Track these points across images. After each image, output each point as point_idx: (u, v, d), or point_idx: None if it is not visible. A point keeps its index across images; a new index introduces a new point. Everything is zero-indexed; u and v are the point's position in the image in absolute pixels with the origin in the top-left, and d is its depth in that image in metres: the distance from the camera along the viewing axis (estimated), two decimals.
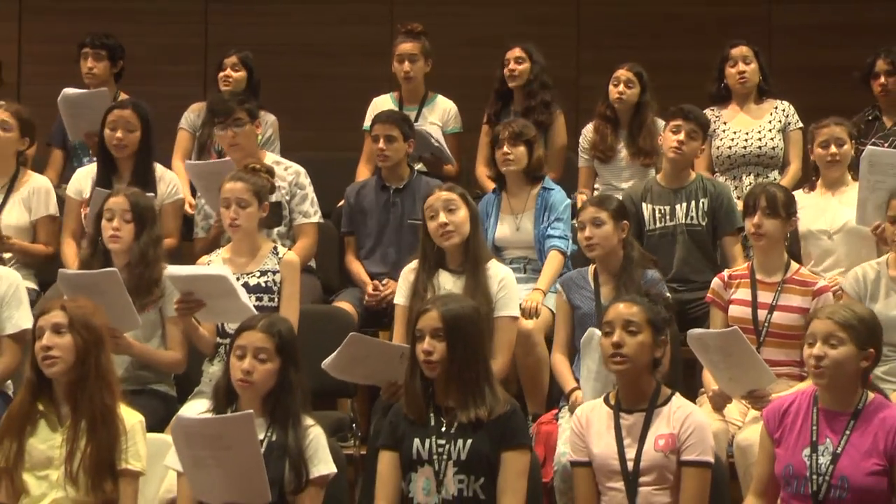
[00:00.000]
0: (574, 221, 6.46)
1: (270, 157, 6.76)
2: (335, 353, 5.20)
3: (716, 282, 5.84)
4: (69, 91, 7.45)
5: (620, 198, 6.20)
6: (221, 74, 7.75)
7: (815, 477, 4.44)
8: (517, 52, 7.70)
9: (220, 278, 5.44)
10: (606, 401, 4.77)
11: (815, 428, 4.51)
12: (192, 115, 7.79)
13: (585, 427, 4.73)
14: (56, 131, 7.72)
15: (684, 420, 4.62)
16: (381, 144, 6.77)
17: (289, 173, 6.71)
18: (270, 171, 6.33)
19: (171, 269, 5.60)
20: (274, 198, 6.42)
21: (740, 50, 7.49)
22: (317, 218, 6.74)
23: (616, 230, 5.77)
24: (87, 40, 7.93)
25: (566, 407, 5.61)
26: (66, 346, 4.65)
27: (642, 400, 4.70)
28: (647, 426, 4.64)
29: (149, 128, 6.77)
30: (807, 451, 4.47)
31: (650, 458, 4.59)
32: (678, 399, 4.74)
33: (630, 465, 4.60)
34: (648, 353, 4.67)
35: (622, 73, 7.45)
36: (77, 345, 4.65)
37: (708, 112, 7.32)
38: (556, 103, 7.72)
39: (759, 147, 7.37)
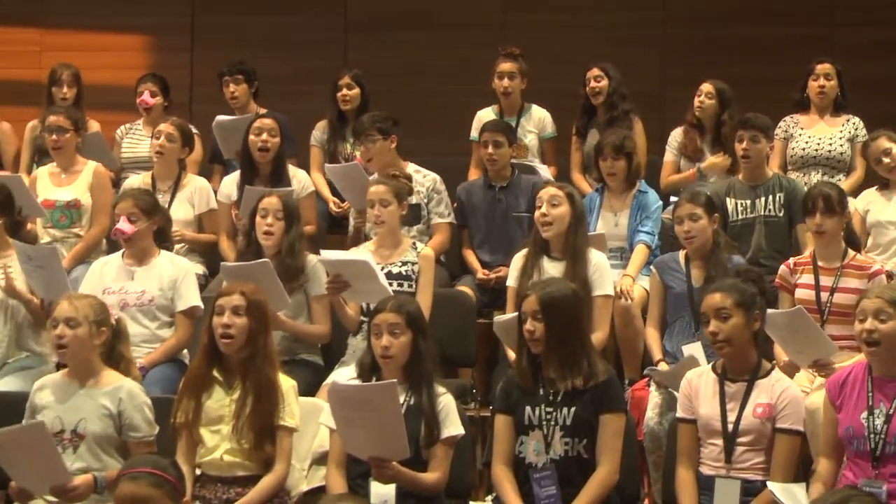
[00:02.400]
0: (665, 217, 6.51)
1: (412, 167, 6.78)
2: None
3: (783, 269, 5.77)
4: (221, 118, 7.52)
5: (709, 192, 6.15)
6: (339, 94, 7.74)
7: (872, 436, 4.38)
8: (595, 71, 7.68)
9: (364, 263, 5.49)
10: (714, 369, 4.73)
11: (870, 394, 4.45)
12: (318, 132, 7.79)
13: (694, 390, 4.69)
14: (211, 151, 7.82)
15: (782, 392, 4.59)
16: (490, 150, 6.77)
17: (427, 180, 6.76)
18: (409, 177, 6.39)
19: (325, 254, 5.63)
20: (414, 200, 6.49)
21: (824, 67, 7.42)
22: (450, 218, 6.77)
23: (710, 223, 5.75)
24: (224, 70, 7.98)
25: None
26: (241, 326, 4.71)
27: (745, 371, 4.66)
28: (748, 394, 4.61)
29: (284, 134, 6.83)
30: (864, 415, 4.41)
31: (748, 423, 4.56)
32: (777, 373, 4.70)
33: (730, 426, 4.57)
34: (744, 331, 4.62)
35: (704, 86, 7.42)
36: (250, 327, 4.71)
37: (788, 118, 7.38)
38: (634, 111, 7.66)
39: (829, 152, 7.30)
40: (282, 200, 5.89)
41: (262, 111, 7.32)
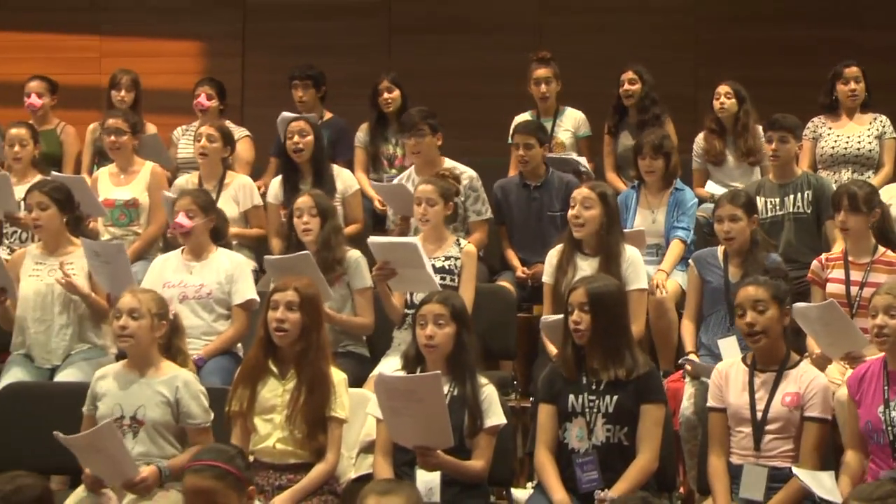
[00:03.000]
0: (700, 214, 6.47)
1: (449, 163, 6.76)
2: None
3: (815, 264, 5.74)
4: (286, 114, 7.55)
5: (750, 192, 6.14)
6: (380, 98, 7.75)
7: (889, 429, 4.40)
8: (630, 73, 7.66)
9: (412, 246, 5.50)
10: (744, 360, 4.72)
11: (886, 388, 4.46)
12: (362, 133, 7.79)
13: (724, 380, 4.70)
14: (275, 145, 7.84)
15: (810, 382, 4.59)
16: (521, 151, 6.76)
17: (464, 178, 6.69)
18: (457, 178, 6.41)
19: (373, 238, 5.66)
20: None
21: (852, 70, 7.37)
22: (487, 215, 6.74)
23: (749, 223, 5.73)
24: (294, 73, 8.00)
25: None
26: (295, 321, 4.71)
27: (774, 362, 4.65)
28: (776, 384, 4.61)
29: (320, 136, 6.83)
30: (881, 409, 4.42)
31: (777, 412, 4.55)
32: (805, 364, 4.71)
33: (759, 415, 4.57)
34: (778, 324, 4.63)
35: (721, 88, 7.40)
36: (303, 322, 4.71)
37: (817, 119, 7.32)
38: (665, 114, 7.64)
39: (858, 149, 7.23)
40: (313, 198, 5.92)
41: (328, 115, 7.35)
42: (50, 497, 3.67)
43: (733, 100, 7.36)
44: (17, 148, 7.03)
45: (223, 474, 3.72)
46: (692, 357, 5.52)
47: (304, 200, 5.90)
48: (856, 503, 3.52)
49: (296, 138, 6.76)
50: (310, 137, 6.76)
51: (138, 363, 4.78)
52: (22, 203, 6.36)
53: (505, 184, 6.95)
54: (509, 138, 7.51)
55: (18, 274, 5.76)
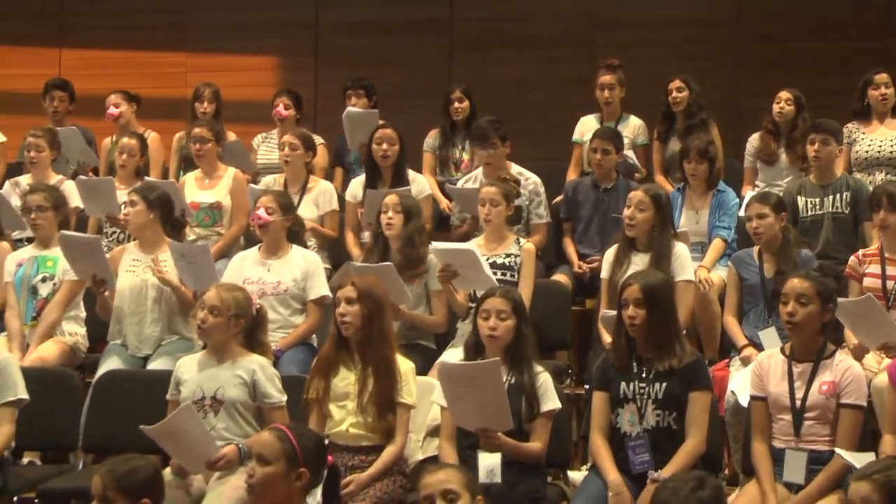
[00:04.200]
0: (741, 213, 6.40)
1: (515, 169, 6.75)
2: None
3: (852, 259, 5.66)
4: (352, 110, 7.58)
5: (780, 193, 6.09)
6: (451, 107, 7.72)
7: None
8: (678, 83, 7.58)
9: (470, 252, 5.50)
10: (782, 351, 4.66)
11: None
12: (431, 139, 7.77)
13: (764, 371, 4.64)
14: (334, 155, 7.85)
15: (845, 371, 4.52)
16: (598, 156, 6.71)
17: (529, 183, 6.70)
18: (517, 181, 6.43)
19: (435, 245, 5.67)
20: (519, 202, 6.50)
21: (882, 77, 7.25)
22: (547, 219, 6.73)
23: (777, 220, 5.65)
24: (348, 84, 8.04)
25: (736, 357, 5.52)
26: (355, 313, 4.71)
27: (811, 353, 4.59)
28: (814, 374, 4.54)
29: (402, 143, 6.83)
30: None
31: (815, 399, 4.50)
32: (840, 354, 4.63)
33: (798, 403, 4.51)
34: (817, 320, 4.57)
35: (783, 94, 7.33)
36: (363, 312, 4.71)
37: (850, 125, 7.19)
38: (710, 120, 7.55)
39: (891, 152, 7.09)
40: (400, 197, 5.92)
41: (384, 124, 7.34)
42: (160, 477, 3.71)
43: (793, 106, 7.30)
44: (125, 156, 7.08)
45: (284, 438, 3.72)
46: (747, 352, 5.43)
47: (391, 199, 5.90)
48: (855, 482, 3.44)
49: (384, 146, 6.76)
50: (396, 147, 6.77)
51: (216, 353, 4.81)
52: (123, 206, 6.41)
53: (577, 183, 6.94)
54: (575, 136, 7.60)
55: (117, 269, 5.80)
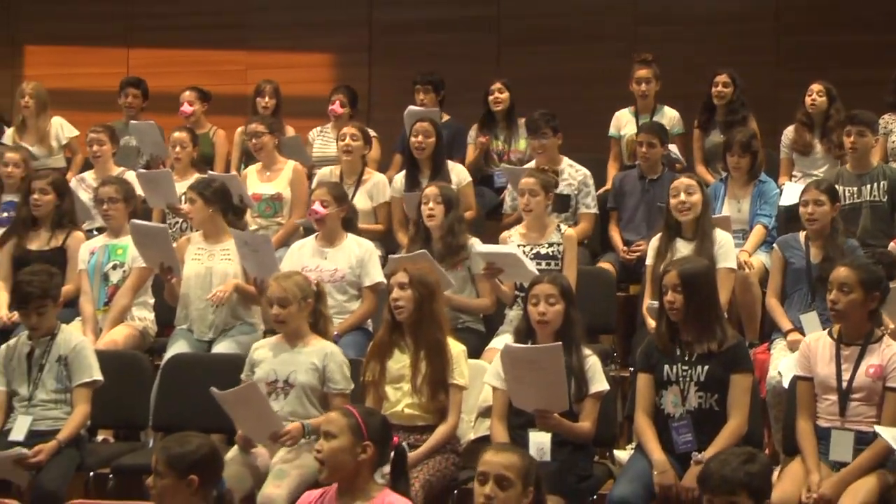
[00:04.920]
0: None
1: (566, 161, 6.74)
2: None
3: (892, 245, 5.63)
4: (413, 108, 7.59)
5: (832, 181, 6.00)
6: (491, 98, 7.69)
7: None
8: (724, 77, 7.48)
9: (512, 255, 5.47)
10: (830, 334, 4.60)
11: None
12: (473, 132, 7.76)
13: (812, 352, 4.58)
14: (399, 142, 7.86)
15: (892, 356, 4.45)
16: (644, 149, 6.68)
17: (578, 174, 6.69)
18: (556, 172, 6.40)
19: (479, 247, 5.66)
20: (566, 191, 6.52)
21: None
22: (595, 209, 6.70)
23: (831, 209, 5.57)
24: (417, 79, 8.02)
25: (777, 340, 5.46)
26: (407, 297, 4.72)
27: (858, 337, 4.52)
28: (861, 357, 4.48)
29: (440, 135, 6.81)
30: None
31: (861, 382, 4.44)
32: (888, 339, 4.55)
33: (844, 384, 4.46)
34: (860, 308, 4.49)
35: (814, 86, 7.24)
36: (415, 297, 4.72)
37: (886, 116, 7.11)
38: (750, 114, 7.47)
39: None
40: (439, 188, 5.90)
41: (446, 117, 7.35)
42: (218, 454, 3.71)
43: (825, 98, 7.20)
44: (178, 149, 7.16)
45: (348, 414, 3.74)
46: (792, 336, 5.35)
47: (431, 190, 5.88)
48: None
49: (420, 137, 6.75)
50: (432, 139, 6.75)
51: (291, 338, 4.84)
52: (183, 197, 6.47)
53: (624, 175, 6.92)
54: (611, 131, 7.60)
55: (183, 257, 5.83)
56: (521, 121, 7.56)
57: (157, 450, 3.66)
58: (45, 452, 4.70)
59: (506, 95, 7.67)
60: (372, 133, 7.69)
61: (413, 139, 6.76)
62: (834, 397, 4.47)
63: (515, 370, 4.45)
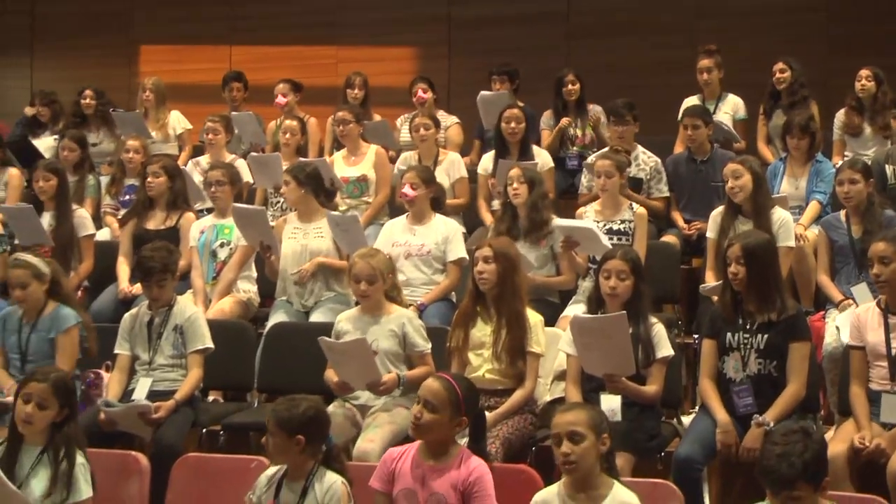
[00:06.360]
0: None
1: (640, 148, 6.72)
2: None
3: None
4: (485, 93, 7.57)
5: (867, 161, 5.86)
6: (565, 88, 7.62)
7: None
8: (781, 64, 7.43)
9: (588, 229, 5.44)
10: (878, 304, 4.50)
11: None
12: (546, 118, 7.72)
13: (862, 322, 4.48)
14: (477, 130, 7.83)
15: None
16: (689, 132, 6.61)
17: (651, 160, 6.66)
18: (628, 153, 6.33)
19: (558, 221, 5.61)
20: (639, 175, 6.50)
21: None
22: (666, 193, 6.64)
23: (866, 186, 5.45)
24: (493, 69, 7.99)
25: (832, 310, 5.36)
26: (491, 270, 4.68)
27: None
28: None
29: (529, 122, 6.79)
30: None
31: None
32: None
33: (894, 351, 4.36)
34: None
35: (863, 72, 7.13)
36: (499, 270, 4.68)
37: None
38: (811, 97, 7.36)
39: None
40: (523, 169, 5.86)
41: (520, 104, 7.29)
42: (324, 415, 3.74)
43: (873, 82, 7.10)
44: (287, 136, 7.21)
45: (450, 389, 3.74)
46: (844, 305, 5.27)
47: (515, 171, 5.85)
48: None
49: (512, 124, 6.74)
50: (522, 124, 6.74)
51: (371, 309, 4.83)
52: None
53: (675, 158, 6.84)
54: (679, 117, 7.39)
55: (281, 236, 5.87)
56: (591, 107, 7.51)
57: (268, 412, 3.71)
58: (164, 409, 4.77)
59: (577, 86, 7.61)
60: (455, 119, 7.74)
61: (505, 126, 6.75)
62: (884, 363, 4.37)
63: (584, 338, 4.42)
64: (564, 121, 7.48)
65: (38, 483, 3.75)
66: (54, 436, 3.79)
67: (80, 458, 3.79)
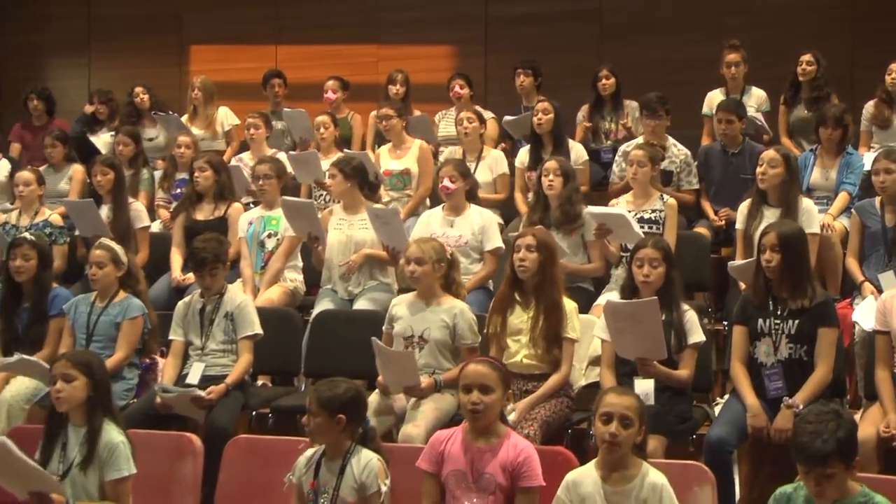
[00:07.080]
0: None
1: (671, 141, 6.64)
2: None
3: None
4: (508, 118, 7.54)
5: None
6: (600, 83, 7.57)
7: None
8: (808, 57, 7.27)
9: (620, 216, 5.38)
10: None
11: None
12: (581, 113, 7.66)
13: (888, 308, 4.41)
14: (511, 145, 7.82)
15: None
16: (723, 126, 6.51)
17: (681, 153, 6.59)
18: (662, 146, 6.27)
19: (591, 209, 5.55)
20: (669, 168, 6.43)
21: None
22: (696, 185, 6.57)
23: None
24: (517, 65, 7.95)
25: (858, 297, 5.27)
26: (533, 259, 4.64)
27: None
28: None
29: (559, 116, 6.70)
30: None
31: None
32: None
33: None
34: None
35: (893, 65, 6.98)
36: (539, 259, 4.64)
37: None
38: (833, 92, 7.23)
39: None
40: (558, 162, 5.81)
41: (542, 98, 7.24)
42: (362, 397, 3.74)
43: None
44: (322, 130, 7.25)
45: (498, 368, 3.75)
46: (865, 286, 5.20)
47: (551, 164, 5.81)
48: None
49: (539, 115, 6.69)
50: (550, 115, 6.67)
51: (425, 295, 4.79)
52: (327, 174, 6.51)
53: (708, 149, 6.74)
54: (704, 110, 7.41)
55: (327, 227, 5.87)
56: (627, 103, 7.45)
57: (310, 392, 3.71)
58: (216, 393, 4.79)
59: (612, 81, 7.57)
60: (490, 115, 7.67)
61: (535, 119, 6.69)
62: None
63: (617, 323, 4.37)
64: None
65: (82, 460, 3.78)
66: (91, 414, 3.81)
67: (120, 437, 3.80)
